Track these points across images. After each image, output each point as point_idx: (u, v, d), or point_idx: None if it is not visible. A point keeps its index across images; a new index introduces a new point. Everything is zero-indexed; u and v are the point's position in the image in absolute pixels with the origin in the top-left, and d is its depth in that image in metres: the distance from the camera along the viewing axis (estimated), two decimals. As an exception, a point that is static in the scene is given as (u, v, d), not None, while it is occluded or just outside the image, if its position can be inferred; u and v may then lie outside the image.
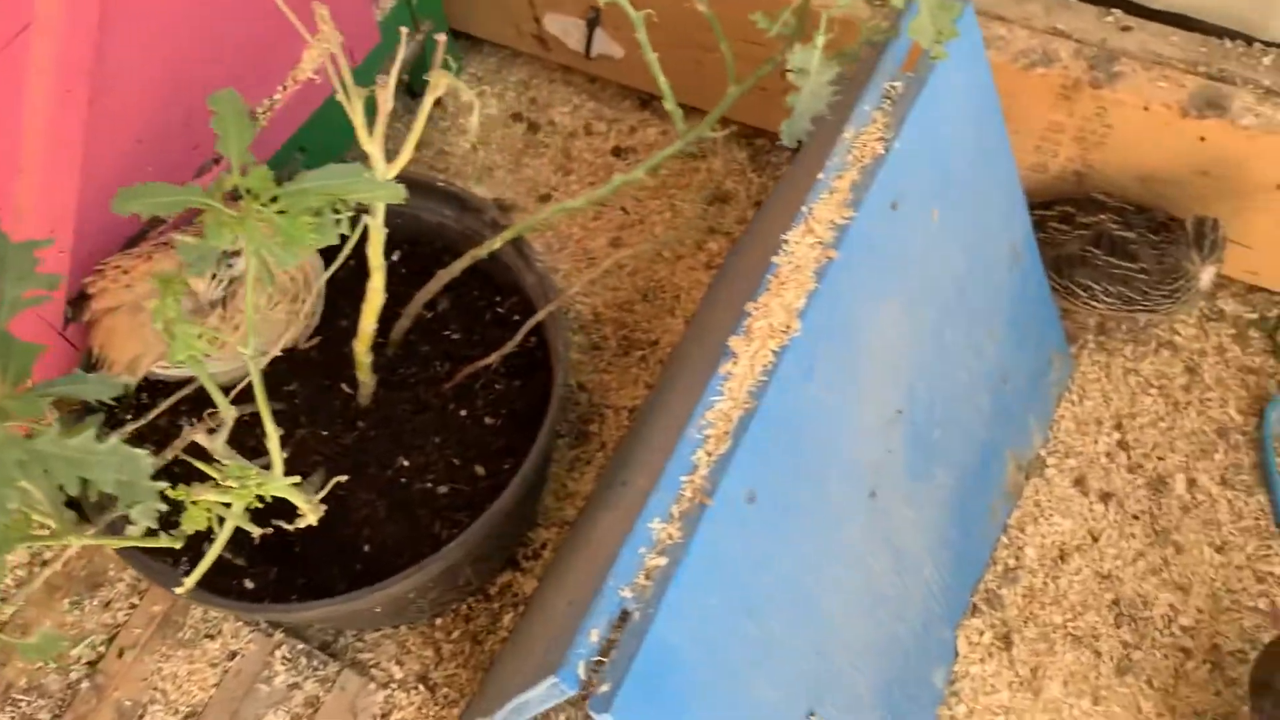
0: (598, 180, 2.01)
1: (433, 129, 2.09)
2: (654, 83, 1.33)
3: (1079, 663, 1.53)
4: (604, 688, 0.93)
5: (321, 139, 1.73)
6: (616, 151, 2.03)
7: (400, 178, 1.59)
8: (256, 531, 0.94)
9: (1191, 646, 1.55)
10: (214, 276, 1.41)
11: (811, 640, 1.18)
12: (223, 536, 0.94)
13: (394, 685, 1.55)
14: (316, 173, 0.85)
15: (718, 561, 1.03)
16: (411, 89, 2.12)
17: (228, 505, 0.92)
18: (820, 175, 1.20)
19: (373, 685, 1.54)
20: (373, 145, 1.07)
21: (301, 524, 1.17)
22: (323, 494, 1.10)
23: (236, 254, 1.44)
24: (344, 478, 1.12)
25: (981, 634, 1.53)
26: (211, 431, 0.90)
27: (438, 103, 2.16)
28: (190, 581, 1.00)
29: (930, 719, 1.46)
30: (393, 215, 1.61)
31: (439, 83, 1.02)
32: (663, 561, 0.99)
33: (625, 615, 0.97)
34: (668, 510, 1.02)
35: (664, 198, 1.99)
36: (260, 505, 0.93)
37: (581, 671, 0.94)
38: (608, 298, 1.88)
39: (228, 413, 0.95)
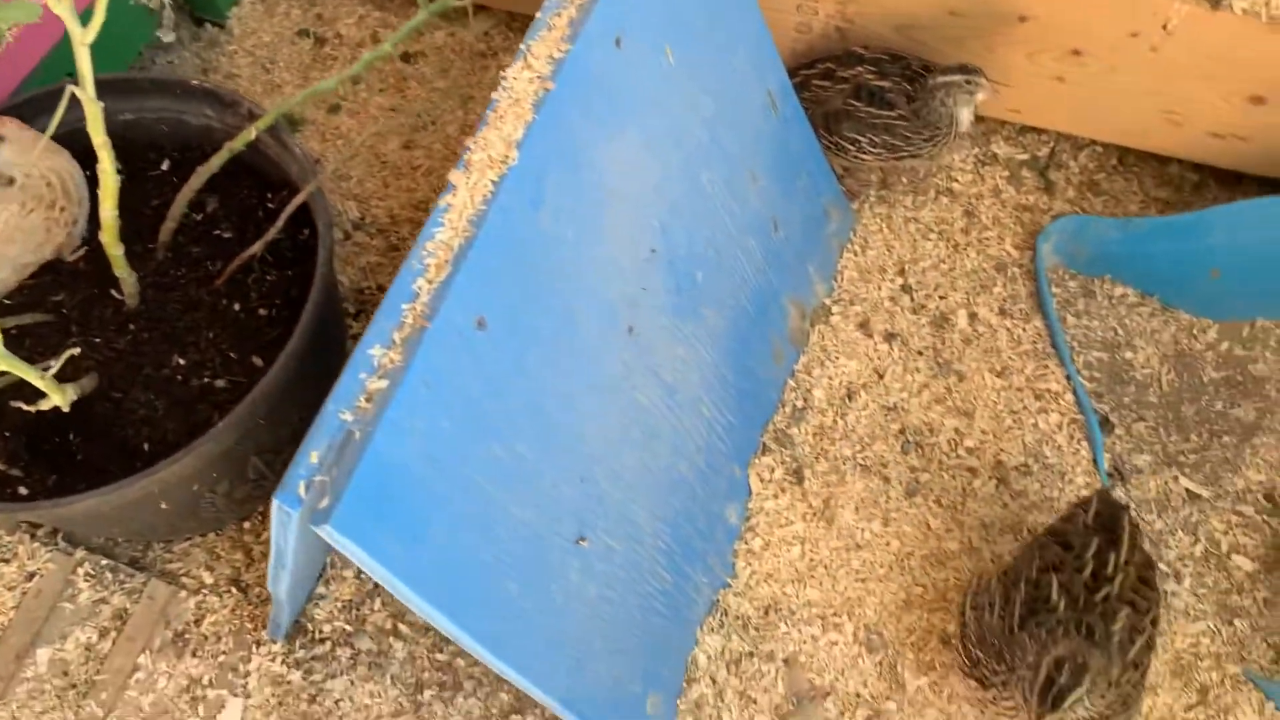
0: (388, 88, 2.00)
1: (219, 53, 2.05)
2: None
3: (869, 490, 1.59)
4: (324, 503, 0.94)
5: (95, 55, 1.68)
6: (405, 57, 2.03)
7: (155, 79, 1.57)
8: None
9: (977, 465, 1.62)
10: None
11: (571, 467, 1.21)
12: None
13: (205, 590, 1.54)
14: (-71, -13, 0.84)
15: (447, 385, 1.05)
16: (196, 16, 2.09)
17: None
18: (539, 14, 1.22)
19: (183, 593, 1.53)
20: (61, 8, 1.05)
21: (45, 405, 1.16)
22: (53, 371, 1.09)
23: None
24: (73, 349, 1.11)
25: (773, 471, 1.58)
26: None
27: (222, 26, 2.12)
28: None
29: (727, 552, 1.51)
30: (156, 122, 1.60)
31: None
32: (383, 384, 1.01)
33: (348, 437, 0.99)
34: (389, 336, 1.04)
35: (456, 98, 1.99)
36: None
37: (302, 491, 0.96)
38: (403, 199, 1.88)
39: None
